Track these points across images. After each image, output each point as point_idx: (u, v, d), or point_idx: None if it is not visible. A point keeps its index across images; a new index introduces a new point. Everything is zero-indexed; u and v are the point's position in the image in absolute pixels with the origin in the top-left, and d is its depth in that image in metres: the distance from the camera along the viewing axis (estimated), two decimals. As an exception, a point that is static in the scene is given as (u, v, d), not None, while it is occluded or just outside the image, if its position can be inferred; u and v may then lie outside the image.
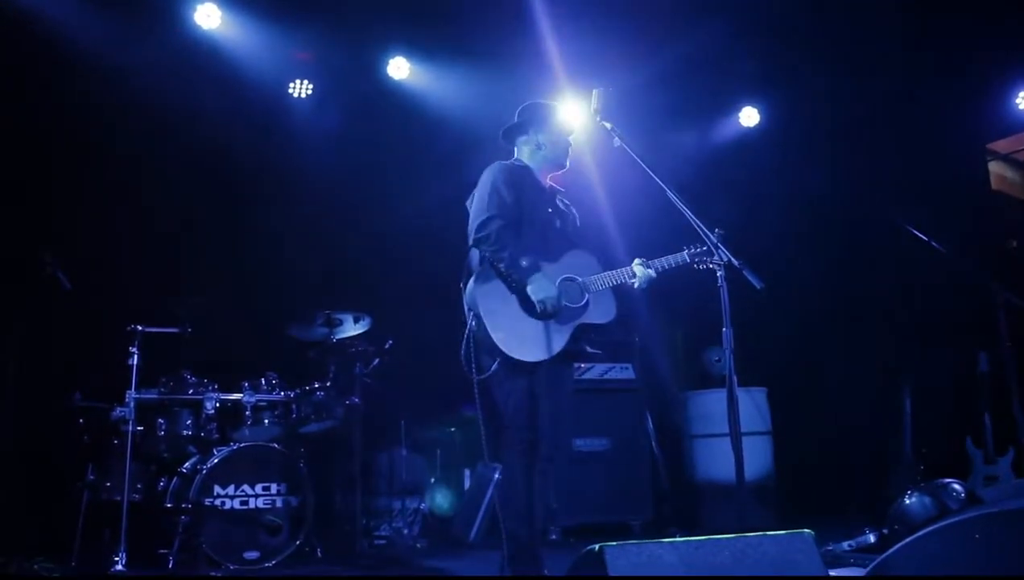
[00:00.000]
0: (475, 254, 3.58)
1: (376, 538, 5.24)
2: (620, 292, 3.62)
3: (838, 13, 5.81)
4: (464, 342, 3.45)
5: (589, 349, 3.64)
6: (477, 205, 3.56)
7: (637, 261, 3.58)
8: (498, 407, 3.46)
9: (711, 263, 2.99)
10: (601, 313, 3.57)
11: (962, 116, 5.98)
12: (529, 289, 3.38)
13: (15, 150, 5.22)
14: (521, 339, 3.37)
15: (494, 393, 3.45)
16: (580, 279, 3.55)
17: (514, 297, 3.43)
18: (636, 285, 3.57)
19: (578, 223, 3.82)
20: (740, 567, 1.97)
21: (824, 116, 6.45)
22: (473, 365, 3.42)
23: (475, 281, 3.44)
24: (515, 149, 3.82)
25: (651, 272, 3.55)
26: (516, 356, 3.35)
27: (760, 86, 6.81)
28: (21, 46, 5.18)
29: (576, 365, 4.82)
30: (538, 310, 3.38)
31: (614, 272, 3.59)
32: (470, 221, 3.56)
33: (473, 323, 3.41)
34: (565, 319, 3.46)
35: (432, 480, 5.76)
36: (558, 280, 3.48)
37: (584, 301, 3.53)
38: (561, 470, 3.85)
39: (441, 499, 5.72)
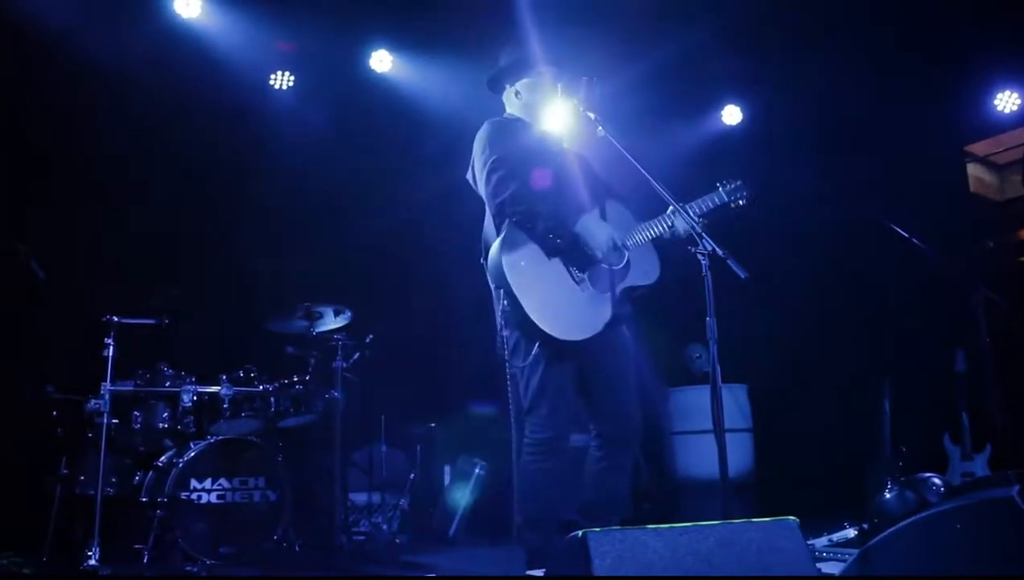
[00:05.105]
0: (490, 225, 3.17)
1: (355, 533, 5.20)
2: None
3: (819, 13, 5.85)
4: (498, 325, 3.03)
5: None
6: (483, 168, 3.16)
7: (670, 209, 3.17)
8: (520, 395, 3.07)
9: (698, 252, 2.77)
10: (643, 273, 3.17)
11: (940, 118, 6.03)
12: (585, 236, 3.00)
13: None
14: (562, 314, 2.96)
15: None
16: (616, 236, 3.17)
17: (554, 261, 3.03)
18: (674, 233, 3.19)
19: (595, 169, 3.42)
20: (725, 553, 1.96)
21: (805, 116, 6.48)
22: (507, 351, 3.00)
23: (500, 251, 3.00)
24: (504, 103, 3.49)
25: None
26: (560, 336, 2.93)
27: (743, 84, 6.84)
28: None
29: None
30: (600, 258, 3.01)
31: (651, 222, 3.20)
32: (483, 189, 3.18)
33: (505, 302, 2.96)
34: (605, 286, 3.05)
35: (446, 482, 5.66)
36: None
37: (624, 262, 3.14)
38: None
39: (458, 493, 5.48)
